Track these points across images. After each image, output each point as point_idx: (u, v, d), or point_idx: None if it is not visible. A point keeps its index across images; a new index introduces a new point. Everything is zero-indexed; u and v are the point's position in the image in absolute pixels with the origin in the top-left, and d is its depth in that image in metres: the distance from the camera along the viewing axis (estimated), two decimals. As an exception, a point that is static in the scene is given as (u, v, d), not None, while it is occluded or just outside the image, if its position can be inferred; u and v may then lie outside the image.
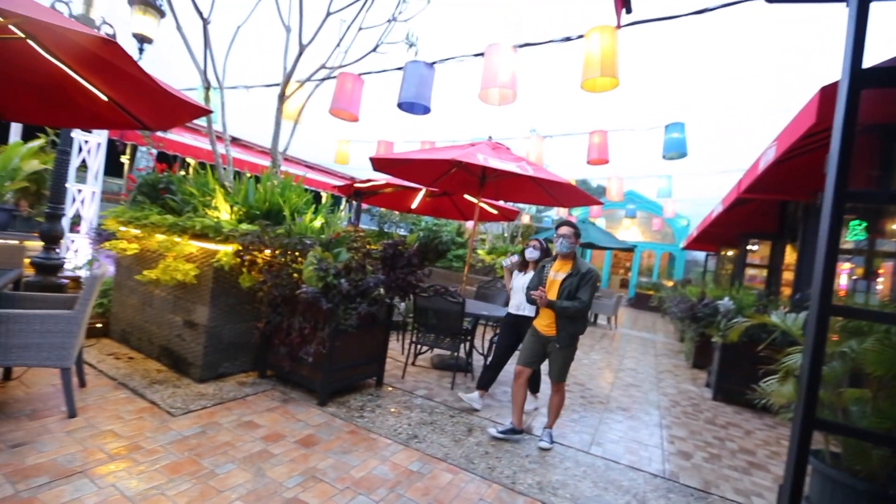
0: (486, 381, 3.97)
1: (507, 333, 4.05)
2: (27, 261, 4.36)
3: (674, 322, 9.98)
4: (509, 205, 9.19)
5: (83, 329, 2.94)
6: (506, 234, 14.63)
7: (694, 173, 9.86)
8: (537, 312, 3.53)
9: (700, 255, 19.48)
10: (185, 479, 2.37)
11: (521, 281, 3.99)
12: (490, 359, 4.07)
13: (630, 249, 12.11)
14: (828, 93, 2.85)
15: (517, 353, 3.81)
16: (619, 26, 3.45)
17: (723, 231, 9.40)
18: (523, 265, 4.05)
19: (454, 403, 4.05)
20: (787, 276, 8.06)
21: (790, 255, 7.90)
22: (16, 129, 7.08)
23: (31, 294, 3.25)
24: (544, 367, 3.63)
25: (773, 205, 7.62)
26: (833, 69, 1.85)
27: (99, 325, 4.55)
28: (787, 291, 7.82)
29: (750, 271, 9.05)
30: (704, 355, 6.92)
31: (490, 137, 4.94)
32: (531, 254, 3.95)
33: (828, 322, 1.68)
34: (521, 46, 3.73)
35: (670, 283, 17.72)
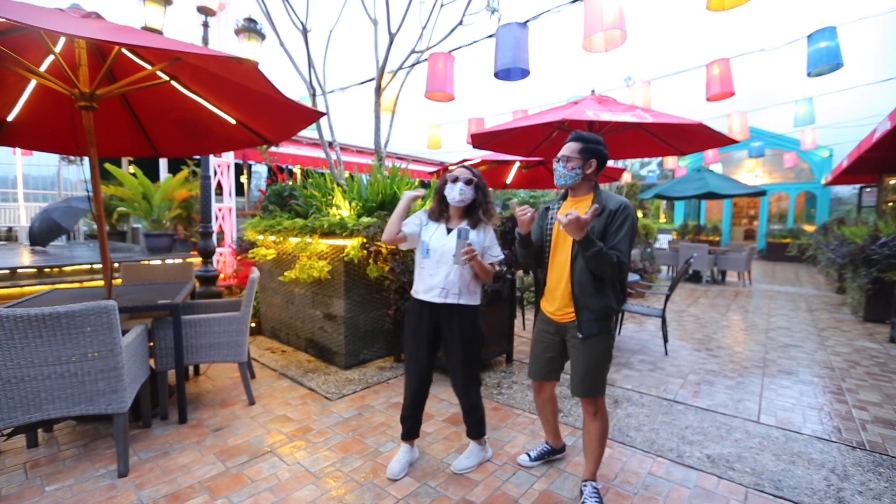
0: (405, 428, 2.45)
1: (419, 334, 2.30)
2: (192, 275, 5.09)
3: (827, 271, 8.55)
4: (611, 162, 8.55)
5: (248, 327, 3.32)
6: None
7: (841, 90, 8.20)
8: (541, 291, 2.25)
9: (846, 191, 16.40)
10: (354, 456, 2.56)
11: (437, 241, 2.25)
12: (404, 399, 2.44)
13: (761, 193, 10.54)
14: None
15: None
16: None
17: (887, 154, 7.72)
18: (437, 211, 2.31)
19: (590, 376, 3.88)
20: None
21: None
22: (163, 163, 8.30)
23: (203, 301, 3.76)
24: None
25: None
26: None
27: (253, 325, 5.15)
28: None
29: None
30: (881, 305, 5.80)
31: (593, 91, 4.55)
32: (458, 192, 2.20)
33: None
34: (626, -21, 3.31)
35: (811, 228, 15.25)
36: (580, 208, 2.04)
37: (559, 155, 2.07)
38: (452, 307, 2.25)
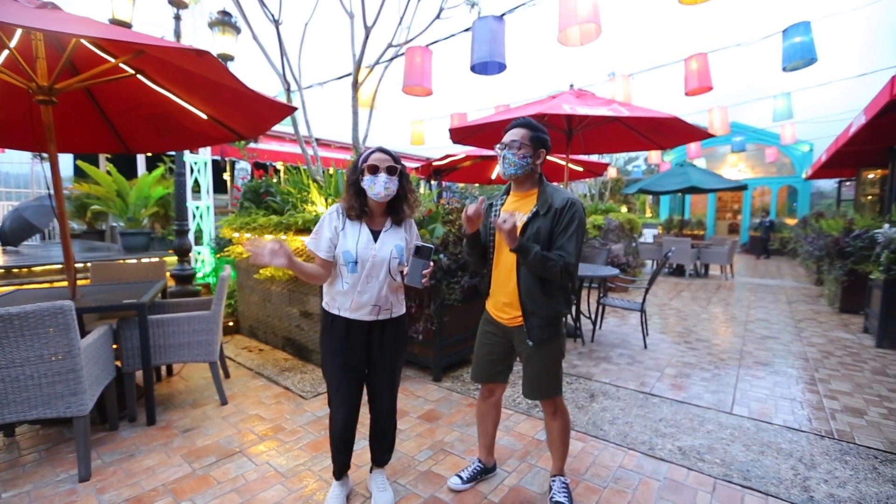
0: (339, 464, 2.06)
1: (347, 358, 1.90)
2: (168, 273, 5.00)
3: (806, 263, 8.70)
4: (594, 157, 8.58)
5: (220, 326, 3.26)
6: (592, 192, 13.78)
7: (819, 85, 8.32)
8: (487, 289, 2.07)
9: (827, 185, 16.71)
10: (325, 455, 2.52)
11: (364, 250, 1.83)
12: (332, 431, 2.00)
13: (742, 188, 10.69)
14: None
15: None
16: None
17: (864, 149, 7.86)
18: (357, 209, 1.86)
19: (569, 370, 3.89)
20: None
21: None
22: (141, 161, 8.14)
23: (176, 300, 3.68)
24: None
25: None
26: None
27: (231, 324, 5.09)
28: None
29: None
30: (856, 297, 5.91)
31: (572, 86, 4.55)
32: (382, 186, 1.80)
33: None
34: (600, -28, 3.30)
35: (793, 221, 15.52)
36: (525, 205, 1.92)
37: (508, 140, 1.86)
38: (386, 322, 1.94)
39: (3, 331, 2.01)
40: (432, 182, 8.77)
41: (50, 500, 2.09)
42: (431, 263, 1.79)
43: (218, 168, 9.23)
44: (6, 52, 2.73)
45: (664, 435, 2.77)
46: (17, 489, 2.17)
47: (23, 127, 3.13)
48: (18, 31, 2.69)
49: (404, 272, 1.82)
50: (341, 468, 2.07)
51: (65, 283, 4.60)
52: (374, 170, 1.81)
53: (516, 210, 1.93)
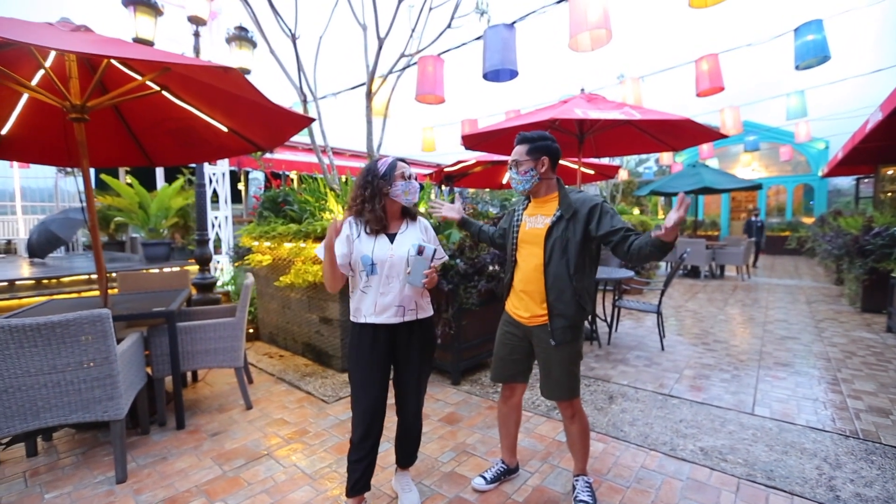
0: (356, 480, 1.93)
1: (373, 364, 1.90)
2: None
3: (825, 262, 8.57)
4: (605, 160, 8.58)
5: (244, 333, 3.35)
6: (604, 195, 13.73)
7: (833, 82, 8.23)
8: (507, 290, 2.15)
9: (845, 182, 16.43)
10: (351, 457, 2.57)
11: (382, 252, 1.87)
12: (353, 438, 1.96)
13: (756, 187, 10.56)
14: None
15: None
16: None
17: (882, 145, 7.74)
18: (379, 222, 1.89)
19: (587, 373, 3.90)
20: None
21: None
22: (160, 173, 8.36)
23: (200, 308, 3.79)
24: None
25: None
26: None
27: (251, 331, 5.19)
28: None
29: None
30: (878, 296, 5.81)
31: (582, 90, 4.59)
32: (416, 191, 1.95)
33: None
34: (610, -22, 3.35)
35: (810, 220, 15.28)
36: (545, 210, 2.00)
37: (510, 161, 2.02)
38: (413, 324, 1.95)
39: (46, 338, 2.11)
40: (444, 188, 8.85)
41: (90, 501, 2.17)
42: (432, 265, 1.84)
43: (233, 178, 9.44)
44: (41, 72, 2.88)
45: (685, 436, 2.77)
46: (58, 490, 2.27)
47: (58, 143, 3.27)
48: (52, 54, 2.83)
49: (408, 272, 1.85)
50: (357, 482, 1.92)
51: (92, 293, 4.77)
52: (410, 177, 1.93)
53: (538, 213, 2.03)
